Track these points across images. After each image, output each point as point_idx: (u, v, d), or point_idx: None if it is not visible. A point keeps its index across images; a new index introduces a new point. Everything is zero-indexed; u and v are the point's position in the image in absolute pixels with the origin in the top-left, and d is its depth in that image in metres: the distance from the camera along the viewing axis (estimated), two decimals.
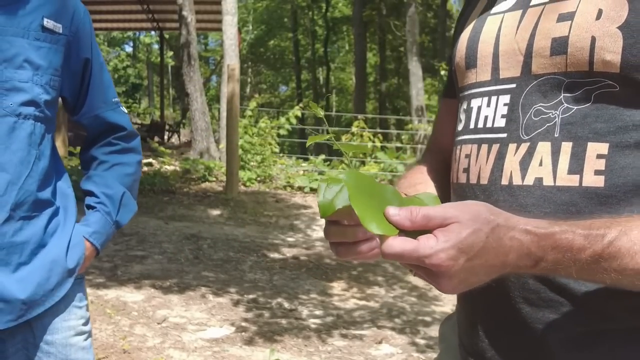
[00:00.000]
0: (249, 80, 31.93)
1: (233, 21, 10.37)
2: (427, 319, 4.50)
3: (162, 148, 11.30)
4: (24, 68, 1.27)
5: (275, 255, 5.97)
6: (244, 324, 4.03)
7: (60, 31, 1.35)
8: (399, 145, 11.12)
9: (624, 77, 0.73)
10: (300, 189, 8.77)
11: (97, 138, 1.50)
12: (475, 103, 0.88)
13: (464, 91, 0.92)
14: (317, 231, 7.15)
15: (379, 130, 10.49)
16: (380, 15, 21.54)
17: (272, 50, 31.73)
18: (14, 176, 1.26)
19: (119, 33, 30.55)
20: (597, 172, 0.74)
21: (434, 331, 4.19)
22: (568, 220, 0.68)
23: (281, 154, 10.02)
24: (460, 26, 1.01)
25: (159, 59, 26.20)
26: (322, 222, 6.97)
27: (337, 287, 5.19)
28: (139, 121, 24.52)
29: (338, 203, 0.67)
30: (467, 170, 0.87)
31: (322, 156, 10.01)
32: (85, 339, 1.42)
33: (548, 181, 0.77)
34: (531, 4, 0.84)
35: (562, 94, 0.77)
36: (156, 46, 29.91)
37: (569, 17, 0.77)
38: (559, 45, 0.77)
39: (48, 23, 1.32)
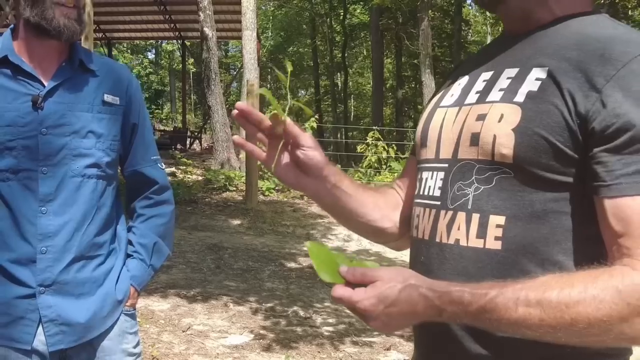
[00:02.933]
0: (268, 86, 32.34)
1: (252, 36, 10.71)
2: None
3: (184, 159, 11.68)
4: (88, 137, 1.59)
5: (292, 265, 6.29)
6: (262, 331, 4.35)
7: (118, 103, 1.67)
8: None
9: (516, 167, 0.97)
10: None
11: (136, 191, 1.80)
12: (424, 175, 1.15)
13: (419, 164, 1.19)
14: (333, 241, 7.46)
15: (393, 142, 10.78)
16: (397, 23, 21.77)
17: (291, 56, 32.08)
18: (79, 225, 1.59)
19: (142, 41, 31.19)
20: (496, 238, 0.98)
21: None
22: (470, 279, 0.94)
23: None
24: (426, 107, 1.28)
25: (180, 66, 26.74)
26: (338, 231, 7.27)
27: None
28: (161, 127, 25.00)
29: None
30: (417, 227, 1.14)
31: (338, 166, 10.31)
32: (136, 359, 1.76)
33: (463, 242, 1.01)
34: (464, 103, 1.10)
35: (474, 176, 1.02)
36: (178, 53, 30.49)
37: (482, 117, 1.02)
38: (474, 139, 1.02)
39: (108, 98, 1.64)
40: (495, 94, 1.04)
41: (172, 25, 19.91)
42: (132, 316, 1.75)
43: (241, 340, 4.18)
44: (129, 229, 1.79)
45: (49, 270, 1.56)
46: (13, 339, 1.55)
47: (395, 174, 9.95)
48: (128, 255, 1.75)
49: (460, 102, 1.12)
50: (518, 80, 1.02)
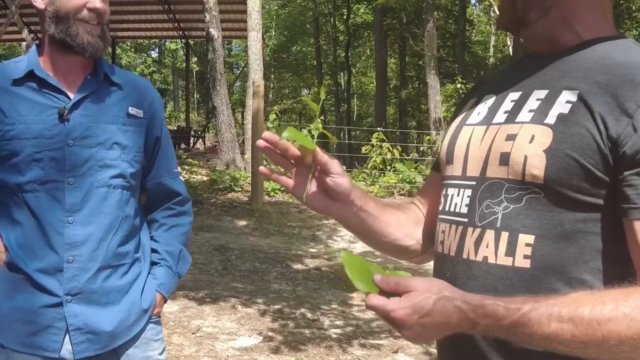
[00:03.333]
0: (271, 85, 32.34)
1: (258, 37, 10.73)
2: None
3: (190, 159, 11.70)
4: (113, 149, 1.62)
5: (299, 266, 6.32)
6: (270, 333, 4.38)
7: (142, 116, 1.70)
8: (417, 157, 11.40)
9: (547, 187, 1.00)
10: None
11: (158, 202, 1.83)
12: (450, 191, 1.17)
13: (444, 180, 1.21)
14: (338, 242, 7.48)
15: (398, 143, 10.82)
16: (401, 23, 21.79)
17: (294, 55, 32.09)
18: (104, 234, 1.61)
19: (145, 40, 31.22)
20: (525, 257, 1.00)
21: None
22: (498, 296, 0.96)
23: None
24: (450, 123, 1.30)
25: (184, 64, 26.76)
26: (343, 233, 7.32)
27: (357, 297, 5.51)
28: None
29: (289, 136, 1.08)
30: (442, 243, 1.16)
31: (343, 168, 10.34)
32: None
33: (491, 260, 1.04)
34: (492, 122, 1.12)
35: (503, 195, 1.05)
36: (181, 52, 30.50)
37: (512, 138, 1.05)
38: (504, 158, 1.05)
39: (132, 110, 1.68)
40: (525, 115, 1.06)
41: (176, 24, 19.95)
42: (157, 323, 1.77)
43: (250, 343, 4.21)
44: (151, 238, 1.81)
45: (75, 280, 1.59)
46: (41, 347, 1.58)
47: (400, 176, 9.98)
48: (153, 263, 1.78)
49: (487, 121, 1.14)
50: (548, 102, 1.04)
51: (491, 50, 25.40)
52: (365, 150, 10.59)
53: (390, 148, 10.31)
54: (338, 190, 1.15)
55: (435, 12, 11.94)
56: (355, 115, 32.33)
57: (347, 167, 10.87)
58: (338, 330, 4.56)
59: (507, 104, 1.12)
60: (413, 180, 9.71)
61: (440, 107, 11.62)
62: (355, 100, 33.18)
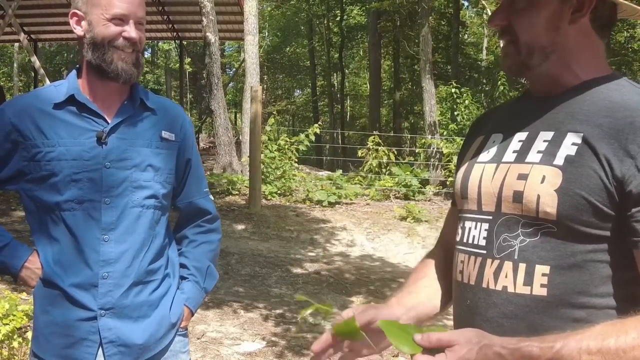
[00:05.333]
0: (264, 86, 32.39)
1: (254, 41, 10.80)
2: None
3: None
4: (147, 171, 1.72)
5: (298, 270, 6.41)
6: (273, 338, 4.47)
7: (173, 139, 1.80)
8: (412, 160, 11.51)
9: (559, 223, 1.10)
10: (319, 202, 9.19)
11: (188, 220, 1.92)
12: (467, 224, 1.27)
13: (461, 213, 1.32)
14: (336, 246, 7.58)
15: (393, 147, 10.94)
16: (395, 26, 21.91)
17: (288, 57, 32.15)
18: (137, 252, 1.70)
19: None
20: (542, 285, 1.12)
21: None
22: (531, 336, 1.05)
23: (299, 168, 10.43)
24: (460, 160, 1.40)
25: (176, 65, 26.76)
26: (341, 237, 7.36)
27: (356, 301, 5.61)
28: None
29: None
30: (462, 272, 1.26)
31: (340, 171, 10.44)
32: None
33: (511, 289, 1.15)
34: (502, 160, 1.22)
35: (520, 229, 1.15)
36: (174, 52, 30.47)
37: (524, 177, 1.15)
38: (518, 196, 1.15)
39: (165, 134, 1.77)
40: (534, 156, 1.17)
41: (170, 25, 19.91)
42: (185, 336, 1.86)
43: (254, 347, 4.30)
44: (181, 254, 1.90)
45: (109, 295, 1.67)
46: (76, 359, 1.67)
47: (396, 179, 10.08)
48: (182, 278, 1.86)
49: (497, 160, 1.24)
50: (555, 144, 1.15)
51: (484, 52, 25.57)
52: (362, 153, 10.70)
53: (387, 152, 10.42)
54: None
55: (428, 25, 12.06)
56: (348, 116, 32.44)
57: (342, 169, 10.95)
58: None
59: (515, 144, 1.23)
60: (409, 183, 9.83)
61: (435, 111, 11.76)
62: (349, 101, 33.28)
